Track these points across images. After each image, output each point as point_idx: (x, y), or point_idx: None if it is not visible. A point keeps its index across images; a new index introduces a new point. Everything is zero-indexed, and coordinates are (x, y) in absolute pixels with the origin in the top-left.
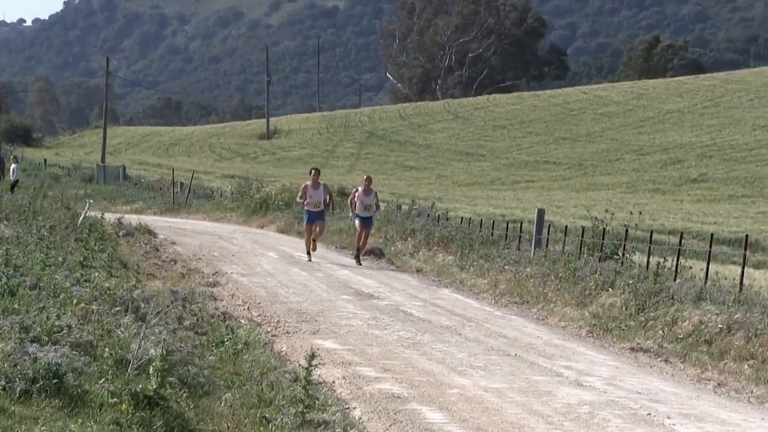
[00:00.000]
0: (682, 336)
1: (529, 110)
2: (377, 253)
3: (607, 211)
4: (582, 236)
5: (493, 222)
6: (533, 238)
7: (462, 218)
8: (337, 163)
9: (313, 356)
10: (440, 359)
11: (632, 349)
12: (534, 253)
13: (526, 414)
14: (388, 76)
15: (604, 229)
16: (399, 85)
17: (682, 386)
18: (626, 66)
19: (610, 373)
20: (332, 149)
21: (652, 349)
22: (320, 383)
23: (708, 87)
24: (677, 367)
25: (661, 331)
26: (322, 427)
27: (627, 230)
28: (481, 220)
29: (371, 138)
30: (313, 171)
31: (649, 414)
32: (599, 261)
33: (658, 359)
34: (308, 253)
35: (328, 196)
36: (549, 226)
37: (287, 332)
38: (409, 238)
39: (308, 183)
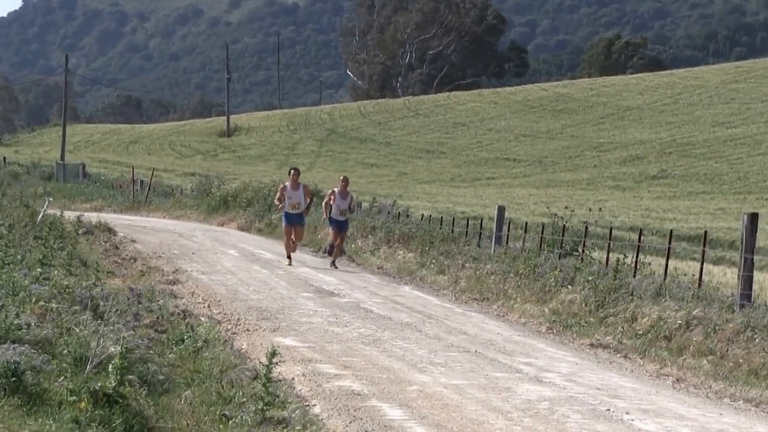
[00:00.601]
0: (641, 332)
1: (489, 107)
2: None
3: (566, 207)
4: (542, 233)
5: (454, 219)
6: (493, 235)
7: (422, 215)
8: (298, 161)
9: (273, 353)
10: (400, 356)
11: (592, 345)
12: (494, 250)
13: (485, 410)
14: (349, 73)
15: (564, 225)
16: (359, 82)
17: (641, 382)
18: (586, 63)
19: (569, 369)
20: (293, 147)
21: (611, 345)
22: (280, 380)
23: (667, 84)
24: (636, 362)
25: (620, 327)
26: (282, 424)
27: (587, 227)
28: (442, 217)
29: (332, 135)
30: (292, 171)
31: (609, 410)
32: (559, 258)
33: (618, 355)
34: (288, 257)
35: (308, 198)
36: (509, 222)
37: (247, 330)
38: (370, 236)
39: (287, 183)
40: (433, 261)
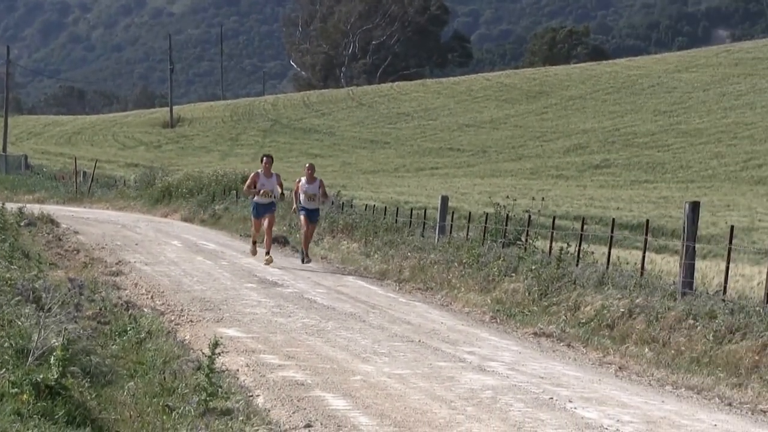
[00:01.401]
0: (584, 320)
1: (432, 97)
2: (282, 241)
3: (510, 197)
4: (485, 223)
5: (398, 209)
6: (437, 224)
7: (366, 205)
8: (242, 151)
9: (216, 344)
10: (344, 346)
11: (535, 333)
12: (438, 240)
13: (429, 399)
14: (292, 63)
15: (508, 215)
16: (303, 72)
17: (584, 370)
18: (530, 53)
19: (512, 358)
20: (236, 137)
21: (554, 333)
22: (223, 371)
23: (610, 73)
24: (579, 351)
25: (563, 316)
26: (226, 415)
27: (530, 216)
28: (386, 207)
29: (275, 126)
30: (265, 158)
31: (551, 398)
32: (503, 247)
33: (561, 344)
34: (253, 243)
35: (280, 188)
36: (453, 212)
37: (191, 321)
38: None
39: (259, 171)
40: (377, 251)
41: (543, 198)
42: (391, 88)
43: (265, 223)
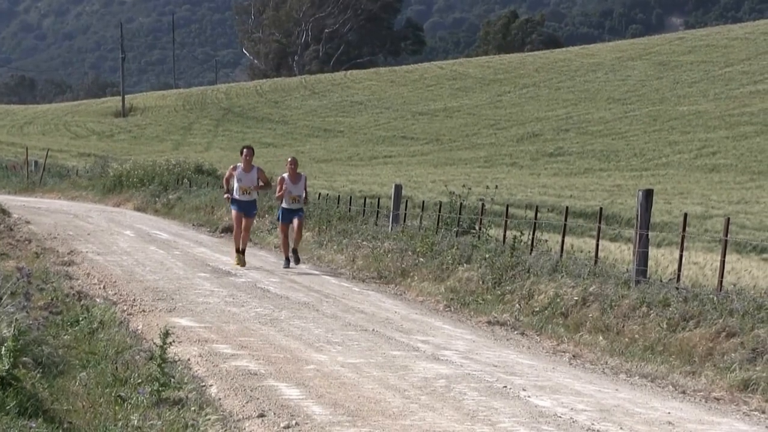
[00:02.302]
0: (538, 309)
1: (386, 86)
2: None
3: (464, 185)
4: (439, 211)
5: (351, 198)
6: (390, 213)
7: (320, 194)
8: (195, 141)
9: (167, 334)
10: (297, 335)
11: (489, 322)
12: (392, 229)
13: (382, 389)
14: (245, 52)
15: (461, 203)
16: (255, 61)
17: (538, 358)
18: (483, 41)
19: (466, 347)
20: (189, 127)
21: (508, 322)
22: (176, 361)
23: (564, 61)
24: (533, 339)
25: (517, 305)
26: (178, 405)
27: (483, 205)
28: (339, 196)
29: (228, 115)
30: (245, 150)
31: (505, 386)
32: (456, 236)
33: (515, 332)
34: (238, 251)
35: (263, 183)
36: (407, 201)
37: (143, 311)
38: (267, 215)
39: (239, 164)
40: (331, 240)
41: (497, 186)
42: (344, 76)
43: (244, 222)
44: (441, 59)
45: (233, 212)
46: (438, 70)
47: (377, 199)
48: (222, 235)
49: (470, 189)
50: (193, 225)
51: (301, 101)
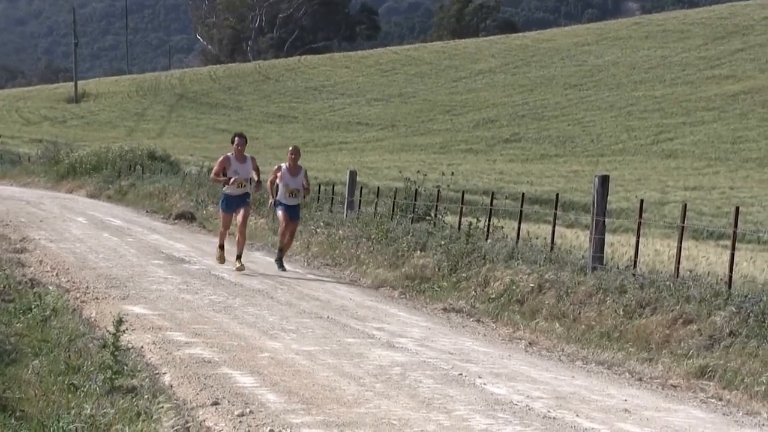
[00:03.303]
0: (494, 296)
1: (341, 71)
2: (188, 217)
3: (419, 172)
4: (395, 198)
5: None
6: (345, 200)
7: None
8: (148, 127)
9: (120, 322)
10: (252, 323)
11: (445, 309)
12: (347, 215)
13: (337, 376)
14: (198, 37)
15: (417, 190)
16: (209, 46)
17: (493, 346)
18: (438, 26)
19: (422, 334)
20: (142, 113)
21: (464, 309)
22: (129, 349)
23: (520, 47)
24: (489, 326)
25: (473, 291)
26: (131, 393)
27: (439, 191)
28: None
29: (182, 101)
30: (236, 138)
31: (461, 374)
32: (412, 222)
33: (471, 319)
34: (220, 248)
35: (257, 174)
36: (361, 188)
37: (96, 298)
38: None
39: (230, 154)
40: None
41: (452, 173)
42: (299, 62)
43: (238, 218)
44: (396, 45)
45: (280, 213)
46: (393, 55)
47: (332, 186)
48: (176, 222)
49: (425, 175)
50: (147, 212)
51: (255, 87)
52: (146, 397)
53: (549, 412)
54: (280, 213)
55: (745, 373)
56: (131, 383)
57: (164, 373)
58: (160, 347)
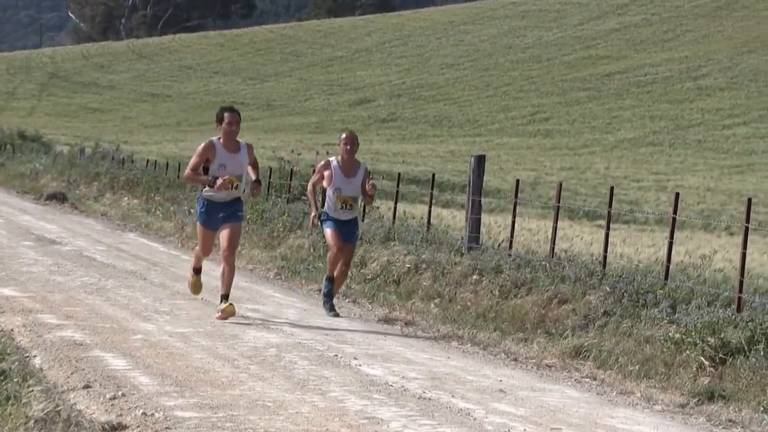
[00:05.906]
0: (370, 276)
1: (215, 50)
2: (60, 198)
3: (293, 151)
4: (270, 178)
5: (180, 165)
6: None
7: (148, 161)
8: (18, 105)
9: None
10: (124, 305)
11: (320, 290)
12: None
13: (211, 358)
14: (71, 15)
15: (292, 170)
16: (82, 24)
17: (369, 326)
18: (314, 4)
19: (297, 316)
20: (12, 91)
21: (340, 290)
22: None
23: (396, 25)
24: (365, 307)
25: (349, 272)
26: (1, 376)
27: (314, 170)
28: (168, 162)
29: (53, 79)
30: (226, 114)
31: (336, 355)
32: (287, 203)
33: (347, 300)
34: (195, 272)
35: (254, 168)
36: None
37: None
38: (94, 182)
39: (215, 139)
40: (159, 207)
41: (327, 152)
42: (173, 40)
43: (223, 239)
44: (272, 23)
45: (328, 231)
46: (268, 34)
47: None
48: (47, 202)
49: (300, 154)
50: (18, 192)
51: (128, 65)
52: (16, 380)
53: (424, 392)
54: (328, 231)
55: (619, 353)
56: (0, 367)
57: (35, 356)
58: (30, 330)
